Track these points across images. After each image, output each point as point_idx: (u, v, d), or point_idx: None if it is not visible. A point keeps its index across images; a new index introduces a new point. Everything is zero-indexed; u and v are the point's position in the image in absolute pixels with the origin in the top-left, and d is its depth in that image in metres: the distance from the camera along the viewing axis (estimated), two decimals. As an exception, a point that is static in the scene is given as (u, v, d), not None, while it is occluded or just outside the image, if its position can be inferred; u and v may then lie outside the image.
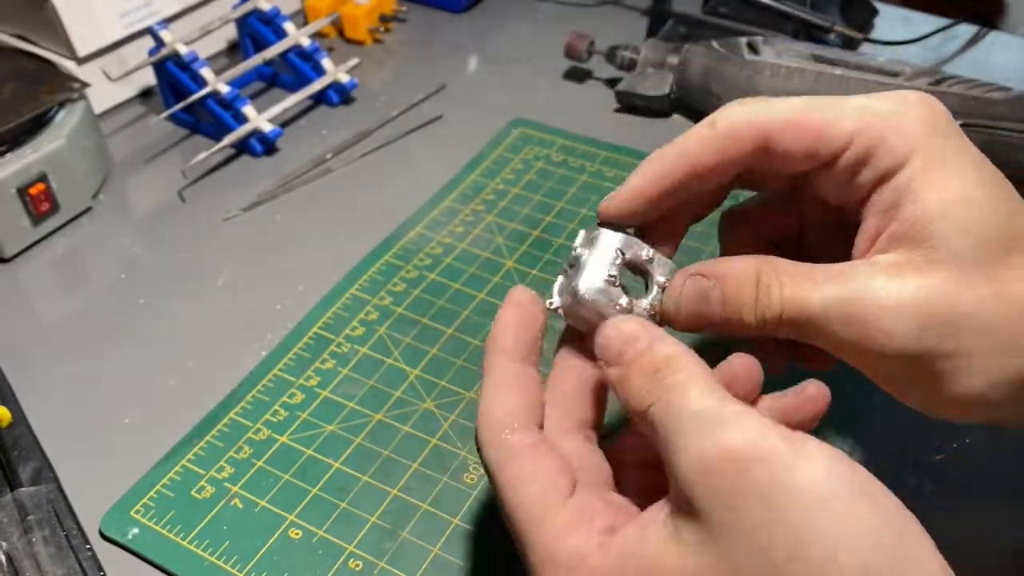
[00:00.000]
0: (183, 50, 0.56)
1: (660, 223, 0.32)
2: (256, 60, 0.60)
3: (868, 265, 0.28)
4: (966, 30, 0.68)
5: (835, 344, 0.28)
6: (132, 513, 0.37)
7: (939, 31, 0.66)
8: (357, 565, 0.35)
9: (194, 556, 0.35)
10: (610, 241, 0.30)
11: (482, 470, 0.33)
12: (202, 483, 0.38)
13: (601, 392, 0.30)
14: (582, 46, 0.61)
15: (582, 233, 0.31)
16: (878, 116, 0.28)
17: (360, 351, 0.43)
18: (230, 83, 0.57)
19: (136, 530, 0.36)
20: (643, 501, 0.27)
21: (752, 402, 0.29)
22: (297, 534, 0.36)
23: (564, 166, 0.55)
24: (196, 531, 0.36)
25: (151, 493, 0.38)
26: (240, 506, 0.37)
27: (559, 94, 0.63)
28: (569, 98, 0.62)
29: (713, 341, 0.40)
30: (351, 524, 0.36)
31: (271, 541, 0.36)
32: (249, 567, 0.35)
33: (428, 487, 0.38)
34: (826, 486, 0.22)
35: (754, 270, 0.29)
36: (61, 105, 0.52)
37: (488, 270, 0.48)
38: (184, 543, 0.36)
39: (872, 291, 0.27)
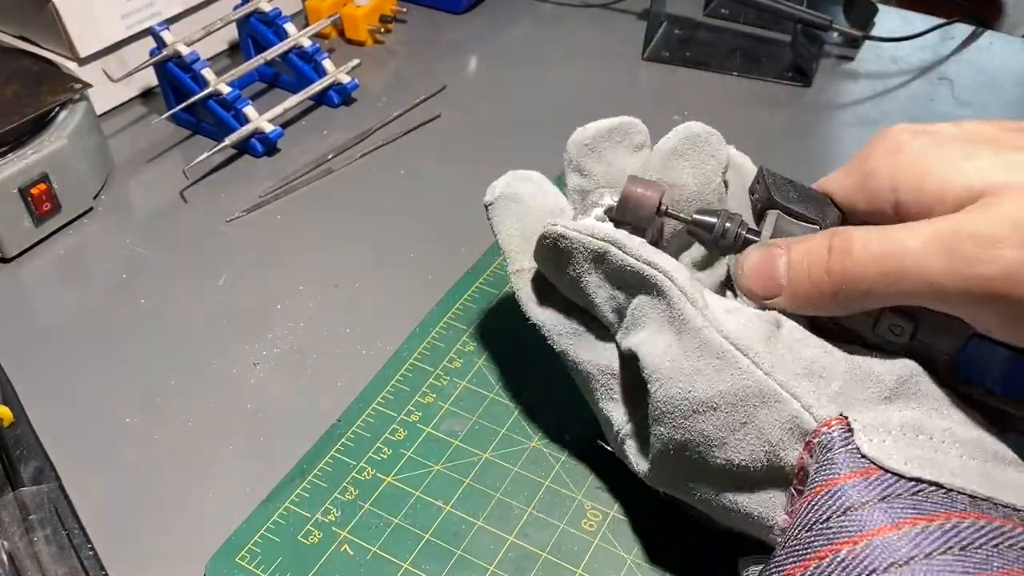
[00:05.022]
0: (184, 51, 0.56)
1: None
2: (257, 61, 0.60)
3: (957, 212, 0.28)
4: (962, 30, 0.68)
5: (934, 289, 0.28)
6: (238, 559, 0.35)
7: (935, 29, 0.66)
8: None
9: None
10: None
11: (601, 516, 0.36)
12: (308, 527, 0.36)
13: None
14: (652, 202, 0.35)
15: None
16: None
17: (460, 384, 0.42)
18: (231, 84, 0.57)
19: None
20: None
21: None
22: None
23: None
24: None
25: (256, 537, 0.36)
26: (351, 553, 0.35)
27: (559, 94, 0.63)
28: (569, 97, 0.63)
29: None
30: (469, 573, 0.34)
31: None
32: None
33: (546, 533, 0.36)
34: None
35: (825, 238, 0.30)
36: (63, 106, 0.52)
37: None
38: None
39: (971, 222, 0.27)
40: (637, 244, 0.32)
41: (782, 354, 0.30)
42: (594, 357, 0.35)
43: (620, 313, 0.33)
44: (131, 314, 0.47)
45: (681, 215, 0.35)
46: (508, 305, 0.45)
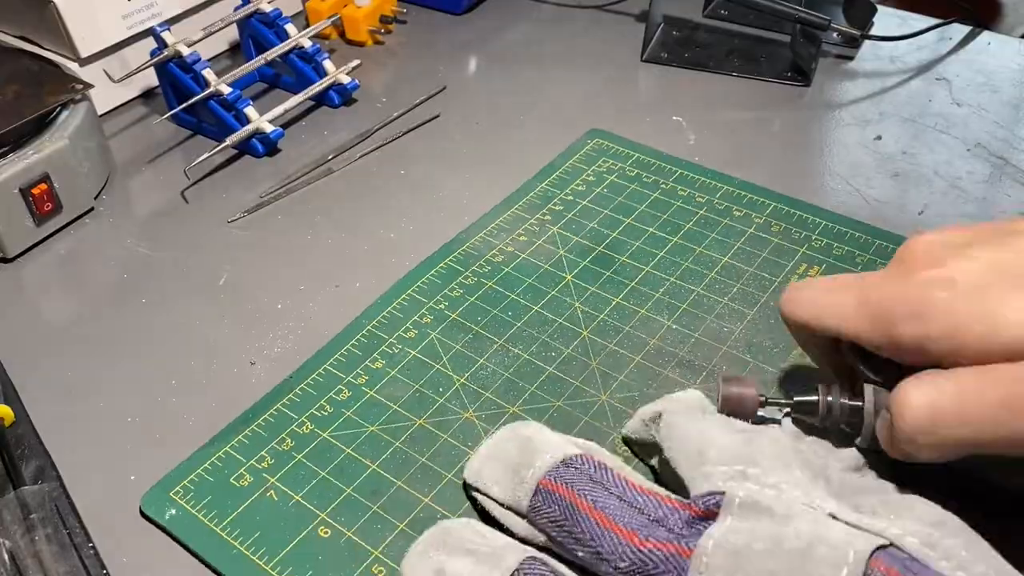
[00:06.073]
0: (185, 51, 0.57)
1: None
2: (258, 61, 0.60)
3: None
4: (960, 30, 0.68)
5: None
6: (172, 494, 0.37)
7: (932, 28, 0.66)
8: (380, 571, 0.34)
9: (224, 544, 0.35)
10: None
11: None
12: (242, 471, 0.38)
13: None
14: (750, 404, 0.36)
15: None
16: None
17: (410, 353, 0.43)
18: (232, 84, 0.57)
19: (173, 511, 0.36)
20: None
21: None
22: (326, 532, 0.36)
23: (637, 180, 0.53)
24: (230, 519, 0.36)
25: (192, 476, 0.38)
26: (275, 498, 0.37)
27: (559, 95, 0.63)
28: (568, 98, 0.63)
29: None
30: (380, 528, 0.36)
31: (300, 537, 0.35)
32: (276, 560, 0.35)
33: (461, 499, 0.37)
34: None
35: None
36: (64, 106, 0.52)
37: (546, 283, 0.47)
38: (216, 529, 0.36)
39: None
40: None
41: None
42: None
43: None
44: (132, 314, 0.47)
45: (782, 400, 0.36)
46: (472, 283, 0.47)
